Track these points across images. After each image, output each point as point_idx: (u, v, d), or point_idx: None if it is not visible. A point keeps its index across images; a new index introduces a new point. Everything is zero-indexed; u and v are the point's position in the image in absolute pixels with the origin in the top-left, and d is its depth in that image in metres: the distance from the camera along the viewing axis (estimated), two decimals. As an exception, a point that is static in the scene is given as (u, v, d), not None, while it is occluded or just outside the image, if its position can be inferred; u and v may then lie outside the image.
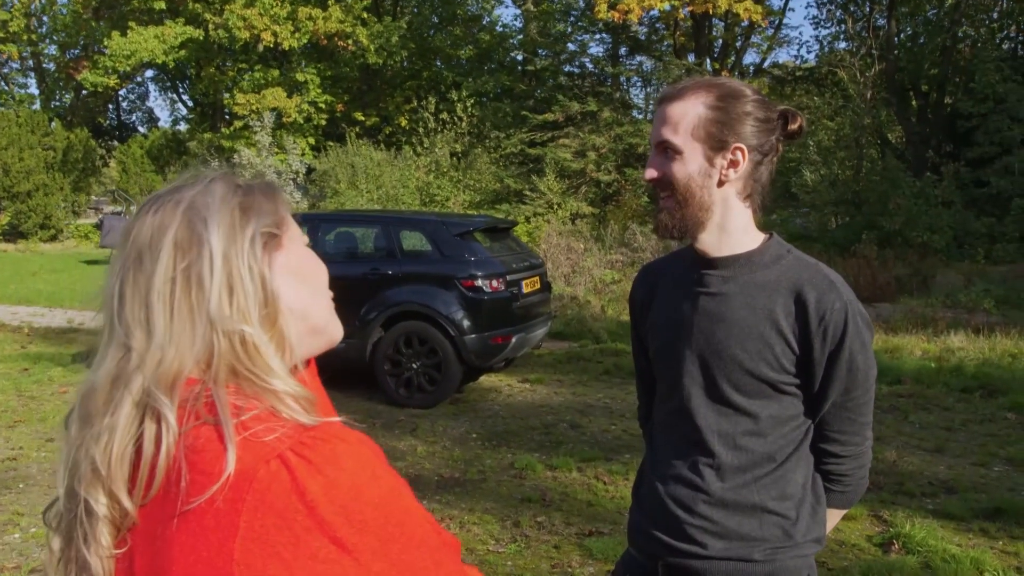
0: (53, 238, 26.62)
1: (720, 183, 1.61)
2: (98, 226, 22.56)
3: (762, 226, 1.71)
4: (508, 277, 7.42)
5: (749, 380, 1.61)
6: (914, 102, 26.61)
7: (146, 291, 0.92)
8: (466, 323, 7.17)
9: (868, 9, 26.29)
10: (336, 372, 7.81)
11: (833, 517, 1.78)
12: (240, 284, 0.92)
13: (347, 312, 7.46)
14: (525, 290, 7.66)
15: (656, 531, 1.70)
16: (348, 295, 7.45)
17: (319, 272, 1.05)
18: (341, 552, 0.83)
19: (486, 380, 8.31)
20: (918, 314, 10.99)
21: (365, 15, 27.06)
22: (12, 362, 9.13)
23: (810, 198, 20.33)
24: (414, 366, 7.32)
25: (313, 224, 8.03)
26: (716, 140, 1.58)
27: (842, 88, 24.03)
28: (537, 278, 8.04)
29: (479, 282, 7.22)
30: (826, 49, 28.03)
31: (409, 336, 7.33)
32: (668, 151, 1.60)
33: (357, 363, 7.50)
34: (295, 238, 1.02)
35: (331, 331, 1.06)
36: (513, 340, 7.39)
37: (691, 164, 1.59)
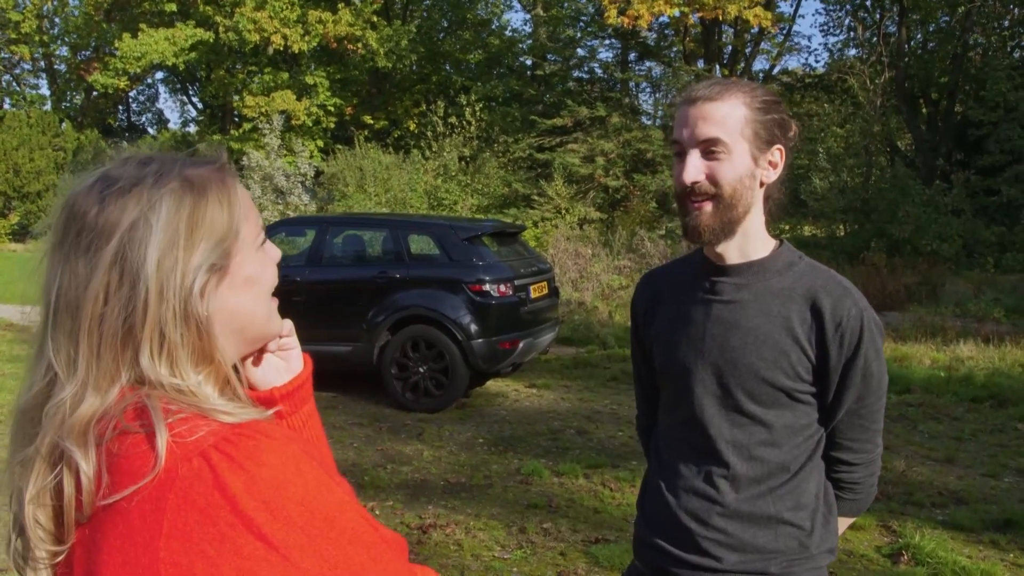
0: (62, 239, 26.68)
1: (761, 184, 1.60)
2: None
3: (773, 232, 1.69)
4: (516, 282, 7.40)
5: (765, 389, 1.58)
6: (924, 110, 26.54)
7: (75, 321, 0.89)
8: (473, 327, 7.15)
9: (879, 16, 26.25)
10: (343, 375, 7.83)
11: (842, 525, 1.76)
12: (174, 331, 0.90)
13: (354, 315, 7.50)
14: (533, 295, 7.65)
15: (667, 544, 1.67)
16: (355, 298, 7.48)
17: (265, 276, 1.02)
18: (268, 548, 0.83)
19: (493, 385, 8.29)
20: (927, 323, 10.93)
21: (375, 19, 27.10)
22: (20, 362, 9.14)
23: (819, 205, 20.27)
24: (421, 370, 7.30)
25: (321, 227, 8.03)
26: (761, 140, 1.56)
27: (852, 95, 23.99)
28: (545, 283, 8.02)
29: (487, 286, 7.20)
30: (836, 56, 28.01)
31: (416, 340, 7.32)
32: (715, 151, 1.54)
33: (364, 366, 7.50)
34: (247, 245, 0.98)
35: (270, 332, 1.05)
36: (520, 345, 7.37)
37: (740, 165, 1.55)
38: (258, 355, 1.11)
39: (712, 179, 1.55)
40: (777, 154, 1.59)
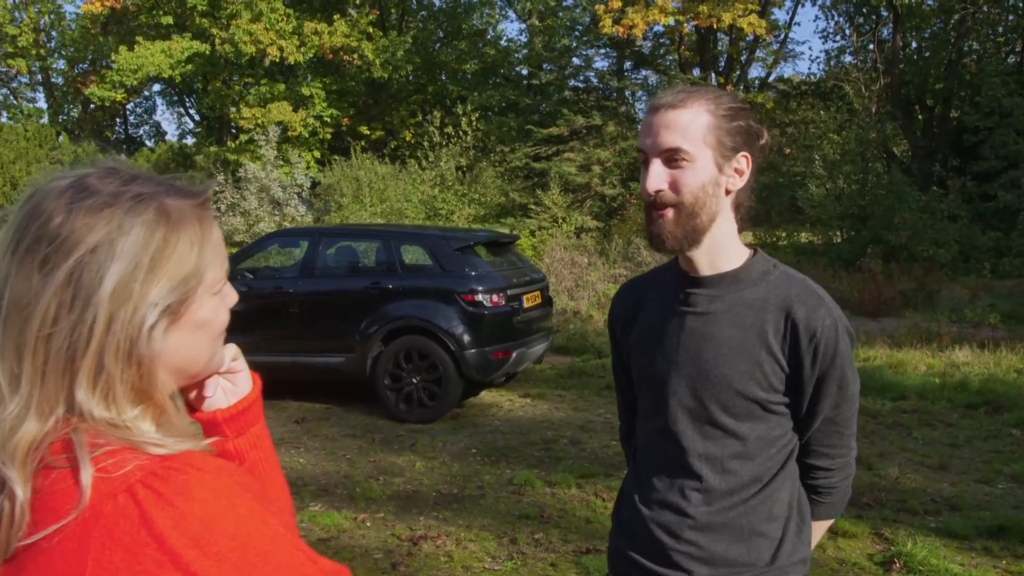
0: (59, 251, 26.69)
1: (727, 192, 1.58)
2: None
3: (759, 241, 1.68)
4: (509, 292, 7.39)
5: (739, 400, 1.57)
6: (920, 116, 26.59)
7: (22, 335, 0.86)
8: (466, 338, 7.14)
9: (874, 23, 26.32)
10: (337, 386, 7.82)
11: (820, 529, 1.77)
12: (114, 365, 0.86)
13: (347, 326, 7.49)
14: (526, 305, 7.63)
15: (640, 556, 1.66)
16: (348, 309, 7.47)
17: (217, 321, 0.98)
18: None
19: (487, 395, 8.27)
20: (923, 329, 10.93)
21: (371, 30, 27.17)
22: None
23: (815, 212, 20.30)
24: (414, 381, 7.28)
25: (314, 238, 8.02)
26: (725, 147, 1.54)
27: (847, 102, 24.04)
28: (538, 292, 8.01)
29: (479, 296, 7.19)
30: (832, 63, 28.08)
31: (409, 351, 7.30)
32: (677, 159, 1.53)
33: (357, 377, 7.48)
34: (208, 289, 0.95)
35: (210, 370, 1.02)
36: (513, 355, 7.36)
37: (703, 172, 1.54)
38: (195, 386, 1.07)
39: (675, 187, 1.54)
40: (743, 161, 1.57)
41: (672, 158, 1.54)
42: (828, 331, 1.54)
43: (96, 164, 0.95)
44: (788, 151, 23.49)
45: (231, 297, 1.02)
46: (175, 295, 0.90)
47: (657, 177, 1.55)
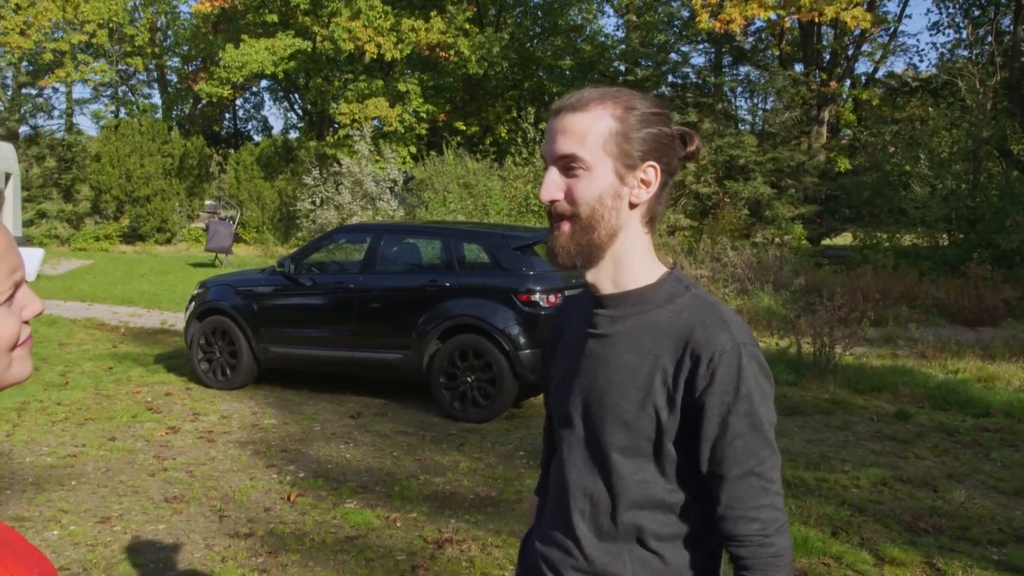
0: (168, 241, 27.87)
1: (631, 205, 1.44)
2: (205, 229, 23.49)
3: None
4: (567, 292, 7.26)
5: (626, 434, 1.41)
6: (1042, 113, 25.02)
7: None
8: (522, 338, 7.05)
9: (993, 13, 24.90)
10: (397, 381, 7.85)
11: None
12: None
13: (405, 323, 7.47)
14: (586, 306, 7.48)
15: None
16: (406, 306, 7.48)
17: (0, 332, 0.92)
18: None
19: (547, 396, 8.15)
20: (1022, 340, 10.24)
21: (467, 26, 27.34)
22: (100, 360, 9.51)
23: (920, 214, 19.33)
24: (469, 380, 7.25)
25: (377, 234, 8.07)
26: (628, 156, 1.41)
27: (960, 98, 22.82)
28: (601, 293, 7.84)
29: (536, 296, 7.09)
30: (945, 57, 26.72)
31: (465, 349, 7.26)
32: (573, 167, 1.41)
33: (414, 375, 7.50)
34: None
35: (4, 383, 0.95)
36: (570, 356, 7.22)
37: (600, 182, 1.40)
38: None
39: (570, 198, 1.42)
40: (651, 172, 1.42)
41: (568, 166, 1.42)
42: (728, 356, 1.34)
43: None
44: (893, 149, 22.47)
45: (30, 307, 0.96)
46: None
47: (552, 186, 1.43)
